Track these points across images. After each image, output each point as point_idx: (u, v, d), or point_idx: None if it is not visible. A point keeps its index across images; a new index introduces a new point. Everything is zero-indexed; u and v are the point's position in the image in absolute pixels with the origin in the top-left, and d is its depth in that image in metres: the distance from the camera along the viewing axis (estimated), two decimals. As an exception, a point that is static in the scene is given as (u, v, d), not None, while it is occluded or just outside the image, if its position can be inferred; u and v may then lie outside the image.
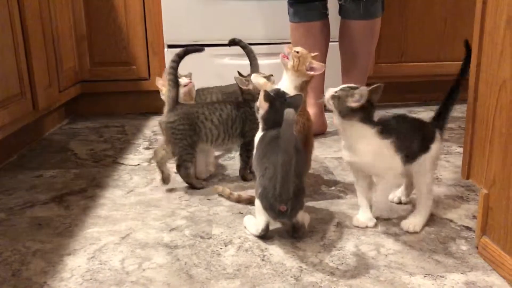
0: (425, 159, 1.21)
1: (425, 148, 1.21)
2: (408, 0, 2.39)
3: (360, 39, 1.87)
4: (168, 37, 2.34)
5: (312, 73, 1.38)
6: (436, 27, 2.44)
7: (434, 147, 1.23)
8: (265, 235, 1.19)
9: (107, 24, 2.37)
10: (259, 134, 1.26)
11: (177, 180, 1.56)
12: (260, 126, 1.27)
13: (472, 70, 1.11)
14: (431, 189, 1.25)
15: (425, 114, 2.37)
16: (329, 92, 1.20)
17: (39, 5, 1.88)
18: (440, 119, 1.28)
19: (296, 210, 1.13)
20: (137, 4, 2.36)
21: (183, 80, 1.57)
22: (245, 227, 1.25)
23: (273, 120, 1.21)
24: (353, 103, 1.15)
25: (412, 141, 1.20)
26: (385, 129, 1.19)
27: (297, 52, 1.38)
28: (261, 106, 1.23)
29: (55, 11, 2.06)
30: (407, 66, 2.47)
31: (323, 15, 1.94)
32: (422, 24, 2.43)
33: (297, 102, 1.22)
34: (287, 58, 1.39)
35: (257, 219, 1.20)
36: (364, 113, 1.17)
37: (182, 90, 1.55)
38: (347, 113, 1.16)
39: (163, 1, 2.30)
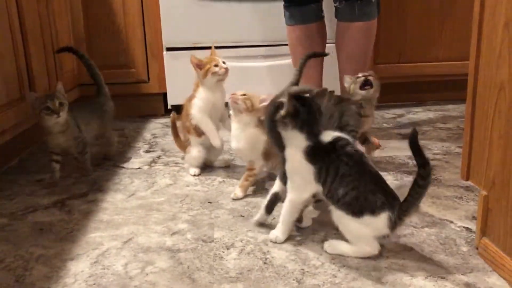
0: (344, 217, 1.12)
1: (357, 210, 1.10)
2: (406, 1, 2.40)
3: (356, 41, 1.88)
4: (167, 40, 2.35)
5: (264, 103, 1.38)
6: (434, 28, 2.45)
7: (368, 219, 1.09)
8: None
9: (106, 27, 2.38)
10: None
11: (178, 183, 1.56)
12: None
13: (470, 72, 1.12)
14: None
15: (423, 114, 2.39)
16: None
17: (38, 8, 1.89)
18: (402, 207, 1.09)
19: None
20: (135, 7, 2.36)
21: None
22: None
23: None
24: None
25: (338, 187, 1.11)
26: (318, 153, 1.13)
27: (245, 95, 1.44)
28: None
29: (54, 14, 2.06)
30: (405, 66, 2.48)
31: (319, 17, 1.95)
32: (420, 25, 2.43)
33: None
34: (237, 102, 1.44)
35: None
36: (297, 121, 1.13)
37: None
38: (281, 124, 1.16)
39: (162, 4, 2.30)
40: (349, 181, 1.10)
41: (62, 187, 1.59)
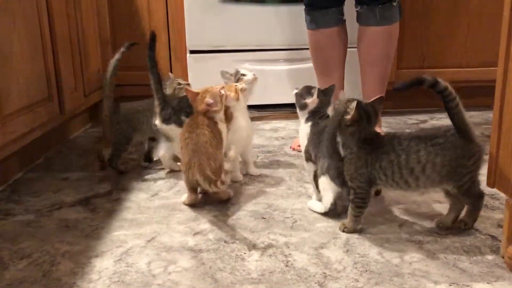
0: None
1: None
2: (431, 4, 2.38)
3: (378, 45, 1.87)
4: (191, 42, 2.38)
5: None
6: (459, 33, 2.42)
7: None
8: (335, 209, 1.32)
9: (131, 29, 2.42)
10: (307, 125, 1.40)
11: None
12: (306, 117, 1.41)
13: (498, 77, 1.11)
14: None
15: (447, 120, 2.35)
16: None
17: (66, 10, 1.93)
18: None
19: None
20: (160, 10, 2.40)
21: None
22: (312, 210, 1.39)
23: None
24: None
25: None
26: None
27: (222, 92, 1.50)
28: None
29: (81, 15, 2.11)
30: (429, 71, 2.43)
31: (340, 20, 1.95)
32: (445, 30, 2.41)
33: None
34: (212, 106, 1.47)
35: (325, 196, 1.33)
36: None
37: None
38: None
39: (186, 7, 2.33)
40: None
41: (87, 186, 1.61)
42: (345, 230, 1.27)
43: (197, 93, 1.49)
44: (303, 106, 1.41)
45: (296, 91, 1.45)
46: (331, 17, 1.92)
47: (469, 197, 1.21)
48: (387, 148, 1.20)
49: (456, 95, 1.16)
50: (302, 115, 1.44)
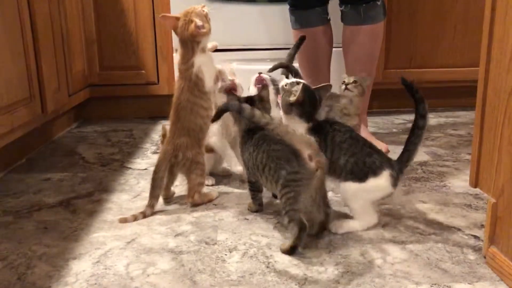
0: (350, 186, 1.21)
1: (361, 176, 1.20)
2: (417, 5, 2.38)
3: (363, 44, 1.86)
4: (177, 42, 2.35)
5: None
6: (445, 33, 2.42)
7: (373, 181, 1.20)
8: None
9: (117, 29, 2.39)
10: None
11: (183, 185, 1.56)
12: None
13: (480, 77, 1.10)
14: (362, 217, 1.25)
15: (434, 120, 2.36)
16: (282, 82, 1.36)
17: (49, 8, 1.90)
18: (402, 159, 1.22)
19: None
20: (146, 9, 2.37)
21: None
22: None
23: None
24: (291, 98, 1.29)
25: (339, 156, 1.22)
26: (317, 129, 1.27)
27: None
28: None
29: (65, 14, 2.08)
30: (416, 72, 2.45)
31: (324, 20, 1.94)
32: (432, 30, 2.41)
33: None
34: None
35: None
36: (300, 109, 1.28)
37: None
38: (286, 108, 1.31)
39: (172, 6, 2.31)
40: (346, 148, 1.22)
41: (68, 187, 1.59)
42: (248, 208, 1.37)
43: (177, 18, 1.35)
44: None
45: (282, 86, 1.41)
46: (316, 16, 1.92)
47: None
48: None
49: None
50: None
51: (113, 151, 1.97)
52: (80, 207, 1.43)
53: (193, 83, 1.38)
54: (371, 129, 2.22)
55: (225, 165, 1.68)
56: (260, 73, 1.59)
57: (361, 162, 1.20)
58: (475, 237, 1.22)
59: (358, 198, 1.22)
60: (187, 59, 1.38)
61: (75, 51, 2.21)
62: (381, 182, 1.20)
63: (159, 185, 1.37)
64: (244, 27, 2.36)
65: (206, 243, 1.21)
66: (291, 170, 1.13)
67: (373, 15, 1.81)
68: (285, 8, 2.11)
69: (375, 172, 1.19)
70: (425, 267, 1.09)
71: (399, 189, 1.32)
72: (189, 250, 1.17)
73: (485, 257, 1.10)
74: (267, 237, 1.23)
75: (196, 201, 1.41)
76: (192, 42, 1.37)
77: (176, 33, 1.39)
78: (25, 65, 1.71)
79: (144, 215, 1.34)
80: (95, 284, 1.04)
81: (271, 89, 1.49)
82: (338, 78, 2.07)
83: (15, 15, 1.64)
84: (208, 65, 1.41)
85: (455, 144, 2.00)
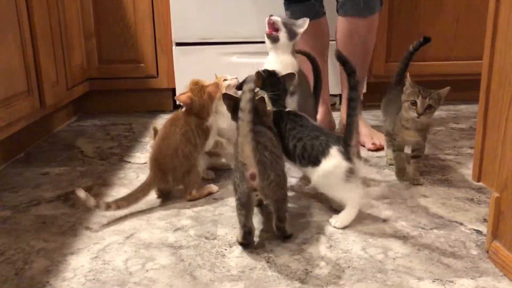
0: (313, 177, 1.23)
1: (314, 160, 1.22)
2: (419, -3, 2.36)
3: (357, 36, 1.81)
4: (176, 35, 2.33)
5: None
6: (448, 26, 2.40)
7: (325, 162, 1.20)
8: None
9: (116, 22, 2.37)
10: None
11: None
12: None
13: (484, 70, 1.08)
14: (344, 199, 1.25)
15: (436, 113, 2.32)
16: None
17: (47, 0, 1.88)
18: (346, 133, 1.21)
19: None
20: (145, 2, 2.35)
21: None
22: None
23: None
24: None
25: (288, 142, 1.27)
26: (275, 117, 1.29)
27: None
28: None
29: (64, 7, 2.06)
30: (417, 65, 2.41)
31: (320, 13, 1.91)
32: (434, 23, 2.39)
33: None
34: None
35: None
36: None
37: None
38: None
39: (172, -1, 2.29)
40: (294, 134, 1.26)
41: (67, 181, 1.58)
42: None
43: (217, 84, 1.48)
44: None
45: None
46: (311, 9, 1.88)
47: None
48: None
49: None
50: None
51: (112, 145, 1.96)
52: (79, 201, 1.41)
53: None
54: (372, 122, 2.20)
55: (223, 160, 1.66)
56: (271, 15, 1.51)
57: (309, 146, 1.23)
58: (478, 231, 1.21)
59: (326, 185, 1.24)
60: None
61: (73, 44, 2.19)
62: (331, 160, 1.19)
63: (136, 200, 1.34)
64: (244, 20, 2.33)
65: (206, 237, 1.20)
66: (237, 180, 1.12)
67: (372, 5, 1.77)
68: (285, 0, 2.09)
69: (323, 153, 1.20)
70: (427, 262, 1.07)
71: (361, 163, 1.38)
72: (188, 245, 1.16)
73: (487, 252, 1.09)
74: (267, 232, 1.22)
75: (194, 196, 1.40)
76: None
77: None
78: (23, 58, 1.70)
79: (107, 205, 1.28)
80: (94, 279, 1.03)
81: (283, 38, 1.48)
82: (337, 72, 2.05)
83: (11, 7, 1.62)
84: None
85: (457, 138, 1.98)
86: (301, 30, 1.52)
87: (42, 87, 1.82)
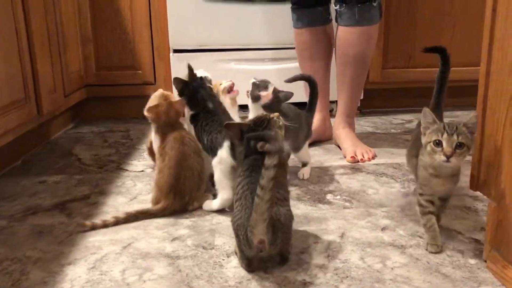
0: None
1: (215, 151, 1.37)
2: (416, 3, 2.36)
3: (355, 46, 1.82)
4: (174, 41, 2.34)
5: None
6: (444, 33, 2.41)
7: (219, 153, 1.34)
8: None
9: (113, 28, 2.37)
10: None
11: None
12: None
13: (481, 78, 1.08)
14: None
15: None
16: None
17: (44, 7, 1.88)
18: None
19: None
20: (143, 8, 2.35)
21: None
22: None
23: None
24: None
25: (202, 137, 1.42)
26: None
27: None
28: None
29: (61, 14, 2.06)
30: (415, 71, 2.43)
31: (326, 19, 1.92)
32: (430, 29, 2.39)
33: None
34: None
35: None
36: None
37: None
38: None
39: (169, 6, 2.29)
40: (207, 129, 1.39)
41: (64, 189, 1.57)
42: None
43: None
44: (256, 98, 1.50)
45: (254, 80, 1.53)
46: (318, 16, 1.90)
47: None
48: None
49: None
50: (253, 108, 1.52)
51: (110, 152, 1.96)
52: (76, 210, 1.41)
53: None
54: (369, 129, 2.21)
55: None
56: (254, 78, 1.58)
57: (214, 139, 1.36)
58: (476, 240, 1.21)
59: (215, 172, 1.36)
60: None
61: (71, 51, 2.19)
62: (221, 154, 1.34)
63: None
64: (241, 27, 2.34)
65: (204, 247, 1.19)
66: (241, 242, 1.06)
67: (368, 16, 1.78)
68: (284, 7, 2.10)
69: (221, 145, 1.34)
70: (425, 272, 1.07)
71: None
72: (186, 255, 1.16)
73: (486, 261, 1.09)
74: (265, 241, 1.21)
75: (195, 207, 1.39)
76: None
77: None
78: (20, 65, 1.69)
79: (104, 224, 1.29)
80: (91, 290, 1.02)
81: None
82: (333, 77, 2.05)
83: (9, 14, 1.62)
84: None
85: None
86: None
87: (39, 94, 1.81)
